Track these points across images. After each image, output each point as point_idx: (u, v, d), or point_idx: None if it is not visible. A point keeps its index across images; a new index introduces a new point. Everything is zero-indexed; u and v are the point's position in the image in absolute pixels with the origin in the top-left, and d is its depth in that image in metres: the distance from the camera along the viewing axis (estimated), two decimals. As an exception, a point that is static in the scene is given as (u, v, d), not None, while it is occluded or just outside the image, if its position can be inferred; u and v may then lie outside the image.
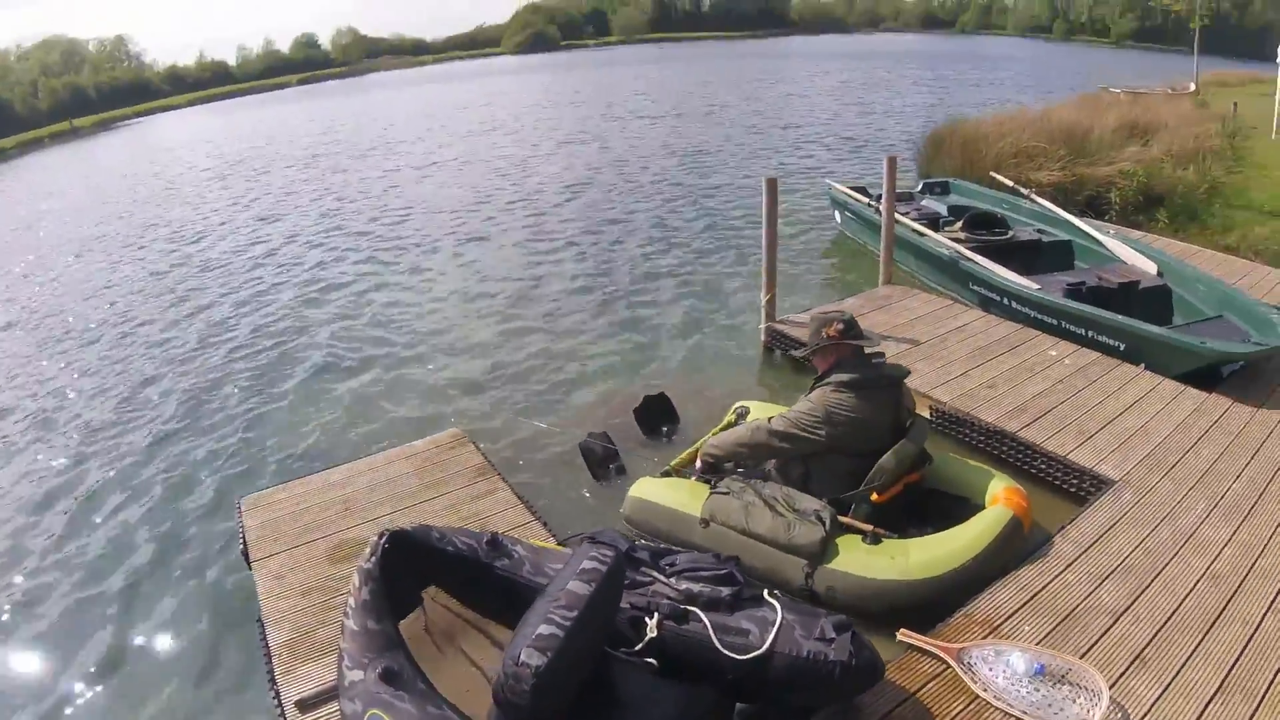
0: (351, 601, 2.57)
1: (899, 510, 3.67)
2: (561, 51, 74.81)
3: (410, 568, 2.76)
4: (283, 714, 2.89)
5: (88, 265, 12.17)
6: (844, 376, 3.60)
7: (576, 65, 50.98)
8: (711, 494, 3.74)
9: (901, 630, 3.02)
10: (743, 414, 4.63)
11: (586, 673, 2.30)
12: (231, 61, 75.19)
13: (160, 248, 12.61)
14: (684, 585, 2.65)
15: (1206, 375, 5.09)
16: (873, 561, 3.32)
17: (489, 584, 2.79)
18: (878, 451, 3.58)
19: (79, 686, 3.79)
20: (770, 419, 3.79)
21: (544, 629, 2.08)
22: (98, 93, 55.07)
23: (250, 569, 3.87)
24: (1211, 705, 2.67)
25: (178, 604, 4.28)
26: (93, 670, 3.88)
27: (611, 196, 13.15)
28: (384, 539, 2.70)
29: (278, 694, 2.98)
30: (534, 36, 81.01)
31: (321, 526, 4.04)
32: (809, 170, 13.87)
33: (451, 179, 15.96)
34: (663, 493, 3.92)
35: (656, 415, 5.39)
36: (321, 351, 7.45)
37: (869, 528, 3.47)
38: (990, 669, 2.80)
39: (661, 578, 2.69)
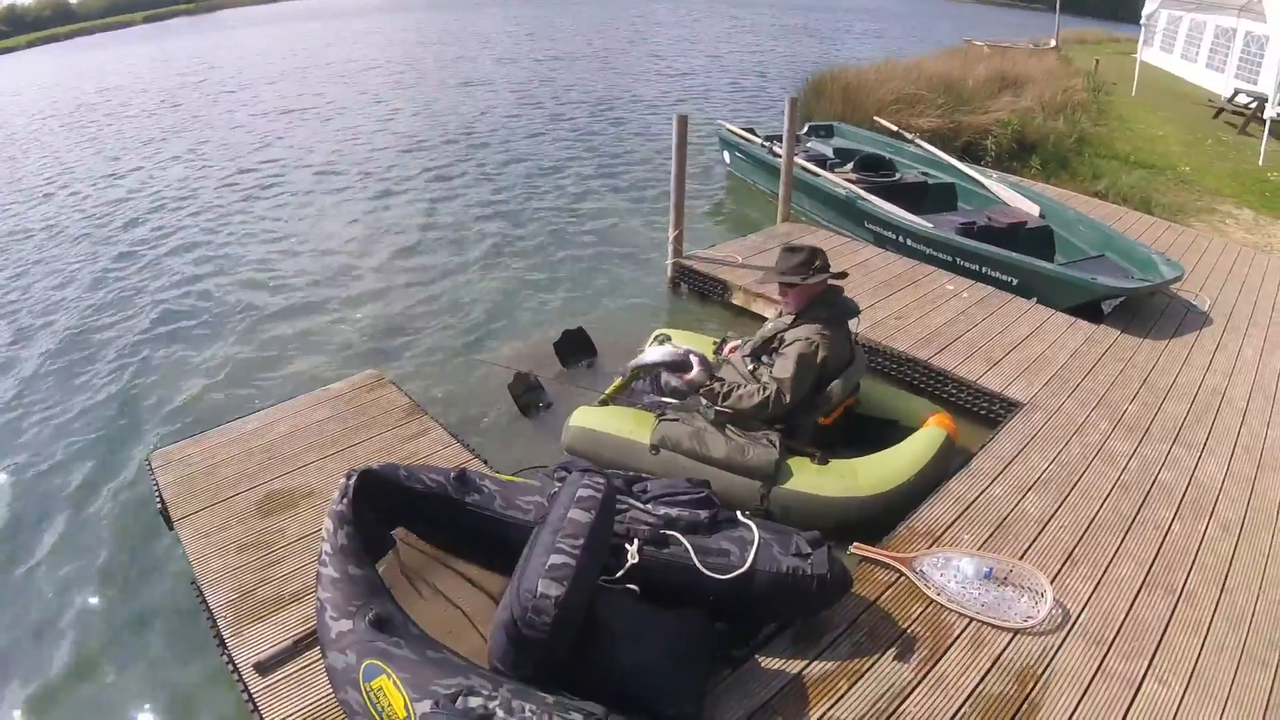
0: (327, 547, 2.40)
1: (838, 433, 3.81)
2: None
3: (380, 508, 2.61)
4: (240, 678, 2.68)
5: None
6: (825, 313, 3.68)
7: (442, 5, 48.28)
8: (660, 420, 3.74)
9: (855, 544, 3.16)
10: (663, 340, 4.59)
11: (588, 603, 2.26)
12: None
13: (44, 193, 10.98)
14: (661, 510, 2.66)
15: (1091, 309, 5.53)
16: (823, 481, 3.45)
17: (460, 521, 2.68)
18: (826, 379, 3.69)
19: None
20: (777, 378, 3.62)
21: (555, 559, 2.02)
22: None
23: (172, 529, 3.56)
24: (1139, 598, 2.99)
25: (97, 571, 3.89)
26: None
27: (507, 138, 12.71)
28: (353, 479, 2.53)
29: (230, 658, 2.76)
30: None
31: (245, 478, 3.73)
32: (695, 112, 13.82)
33: (335, 120, 14.76)
34: (607, 421, 3.87)
35: (575, 348, 5.39)
36: (211, 300, 6.84)
37: (814, 450, 3.59)
38: (941, 575, 2.99)
39: (638, 504, 2.68)
